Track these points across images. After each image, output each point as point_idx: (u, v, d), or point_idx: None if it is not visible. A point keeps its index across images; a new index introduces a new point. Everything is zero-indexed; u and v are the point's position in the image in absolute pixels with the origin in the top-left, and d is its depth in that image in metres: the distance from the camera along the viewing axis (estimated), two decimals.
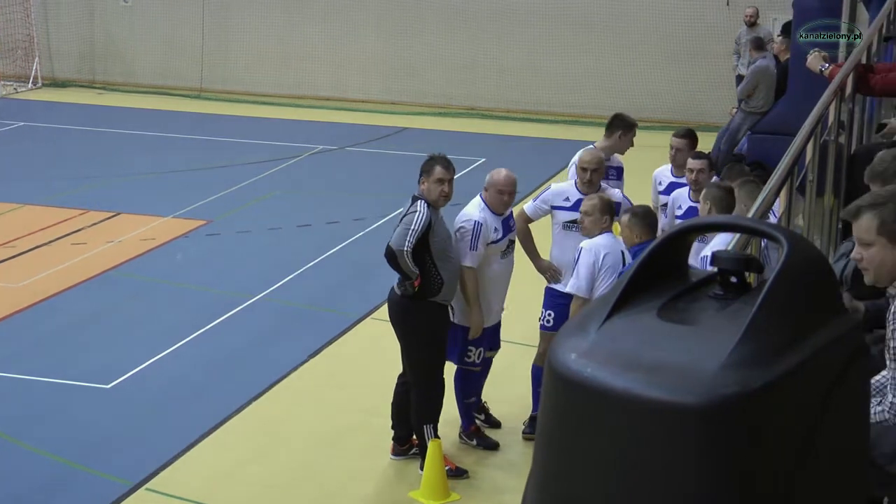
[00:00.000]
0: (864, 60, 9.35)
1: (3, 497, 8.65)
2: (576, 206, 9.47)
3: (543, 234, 9.99)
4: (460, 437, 9.49)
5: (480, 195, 9.20)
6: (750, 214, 4.73)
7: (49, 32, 26.26)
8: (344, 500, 8.75)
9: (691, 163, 9.72)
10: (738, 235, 3.72)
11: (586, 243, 8.82)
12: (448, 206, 8.99)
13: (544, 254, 9.78)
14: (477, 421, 9.59)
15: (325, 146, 20.67)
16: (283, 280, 13.39)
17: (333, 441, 9.61)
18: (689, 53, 22.97)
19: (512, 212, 9.49)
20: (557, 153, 18.90)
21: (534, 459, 2.11)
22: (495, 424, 9.70)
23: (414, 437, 9.11)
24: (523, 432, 9.60)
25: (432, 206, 8.71)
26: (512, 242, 9.36)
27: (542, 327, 9.51)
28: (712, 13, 22.90)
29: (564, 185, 9.76)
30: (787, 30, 19.39)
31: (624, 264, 8.61)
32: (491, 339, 9.42)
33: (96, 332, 12.01)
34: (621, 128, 10.41)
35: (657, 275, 2.14)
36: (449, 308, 8.95)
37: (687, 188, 9.81)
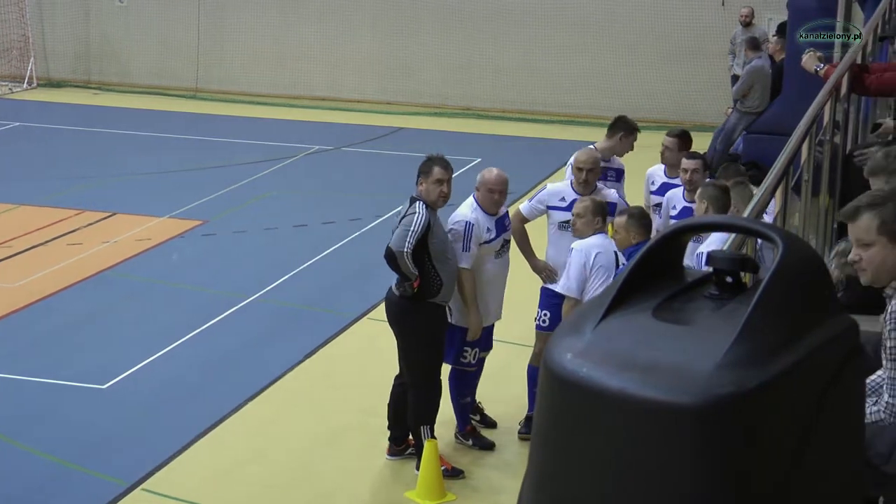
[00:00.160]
0: (859, 60, 9.36)
1: None
2: (572, 207, 9.46)
3: (540, 234, 9.99)
4: (456, 437, 9.49)
5: (473, 195, 9.20)
6: (745, 214, 4.73)
7: (44, 32, 26.24)
8: (340, 501, 8.75)
9: (686, 163, 9.72)
10: (733, 235, 3.72)
11: (577, 244, 8.83)
12: (444, 207, 8.99)
13: (540, 254, 9.78)
14: (472, 421, 9.59)
15: (320, 146, 20.66)
16: (279, 280, 13.38)
17: (329, 441, 9.61)
18: (685, 53, 22.98)
19: (507, 212, 9.49)
20: (553, 153, 18.93)
21: (530, 459, 2.11)
22: (491, 424, 9.70)
23: (410, 437, 9.11)
24: (519, 432, 9.60)
25: (431, 207, 8.71)
26: (507, 242, 9.35)
27: (538, 327, 9.51)
28: (708, 13, 22.90)
29: (560, 186, 9.76)
30: (782, 30, 19.41)
31: (617, 265, 8.60)
32: (487, 339, 9.42)
33: (92, 333, 12.00)
34: (623, 130, 10.41)
35: (653, 275, 2.14)
36: (447, 309, 8.95)
37: (681, 188, 9.81)
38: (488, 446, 9.44)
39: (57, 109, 23.64)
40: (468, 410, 9.52)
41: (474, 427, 9.55)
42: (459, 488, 8.85)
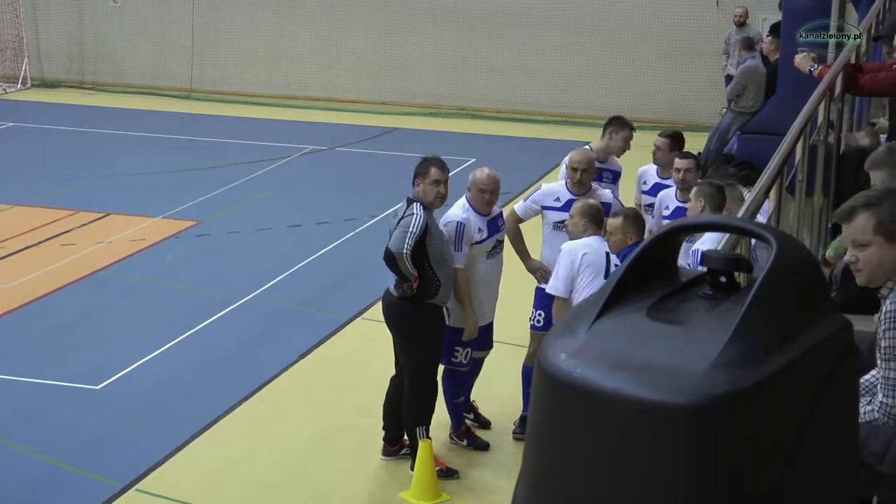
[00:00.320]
0: (853, 60, 9.37)
1: None
2: (566, 207, 9.47)
3: (536, 234, 9.99)
4: (451, 437, 9.49)
5: (465, 195, 9.20)
6: (740, 214, 4.74)
7: (38, 33, 26.21)
8: (334, 501, 8.75)
9: (678, 162, 9.72)
10: (727, 235, 3.73)
11: (567, 244, 8.84)
12: (440, 208, 8.99)
13: (535, 254, 9.78)
14: (467, 421, 9.60)
15: (315, 146, 20.66)
16: (274, 280, 13.37)
17: (324, 441, 9.60)
18: (680, 53, 22.99)
19: (501, 213, 9.49)
20: (548, 153, 18.93)
21: (524, 459, 2.11)
22: (485, 424, 9.71)
23: (404, 437, 9.11)
24: (514, 432, 9.60)
25: (428, 208, 8.70)
26: (500, 243, 9.35)
27: (533, 327, 9.51)
28: (702, 13, 22.92)
29: (555, 186, 9.76)
30: (774, 30, 19.43)
31: (608, 266, 8.58)
32: (481, 339, 9.42)
33: (86, 333, 11.99)
34: (611, 126, 10.38)
35: (647, 275, 2.14)
36: (444, 310, 8.95)
37: (673, 189, 9.81)
38: (483, 446, 9.44)
39: (51, 110, 23.61)
40: (462, 411, 9.53)
41: (469, 427, 9.55)
42: (454, 488, 8.85)
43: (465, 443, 9.45)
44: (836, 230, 7.08)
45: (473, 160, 18.11)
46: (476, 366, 9.49)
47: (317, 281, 13.60)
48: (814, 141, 7.15)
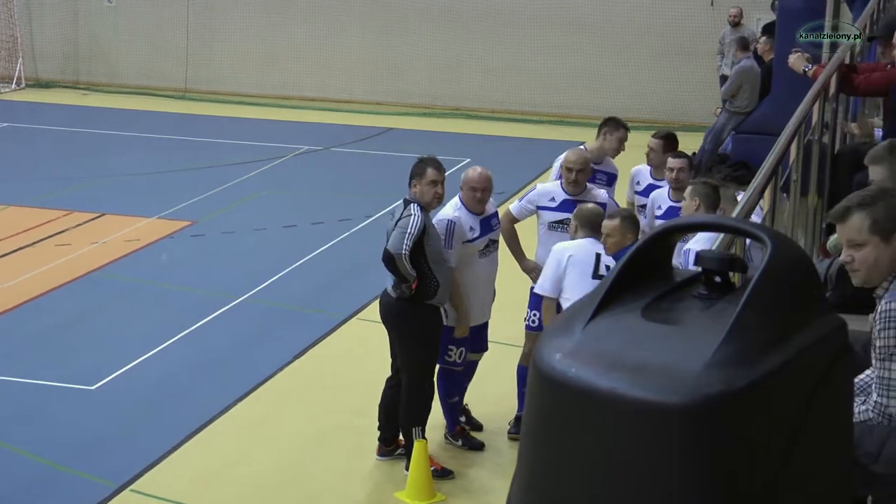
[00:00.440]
0: (847, 60, 9.38)
1: None
2: (561, 207, 9.47)
3: (532, 234, 10.00)
4: (445, 437, 9.49)
5: (458, 194, 9.21)
6: (734, 214, 4.74)
7: (33, 33, 26.18)
8: (329, 501, 8.74)
9: (671, 161, 9.72)
10: (721, 235, 3.73)
11: (556, 245, 8.82)
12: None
13: (530, 254, 9.78)
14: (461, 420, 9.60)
15: (309, 147, 20.65)
16: (269, 281, 13.37)
17: (319, 441, 9.60)
18: (675, 54, 23.01)
19: (497, 212, 9.49)
20: (542, 153, 18.91)
21: (519, 460, 2.11)
22: (477, 427, 9.70)
23: (400, 437, 9.11)
24: (508, 432, 9.60)
25: (425, 208, 8.70)
26: (493, 242, 9.34)
27: (528, 327, 9.51)
28: (697, 13, 22.94)
29: (550, 186, 9.75)
30: (767, 30, 19.45)
31: (597, 267, 8.53)
32: (475, 340, 9.41)
33: (81, 334, 11.98)
34: (606, 127, 10.36)
35: (641, 275, 2.14)
36: (442, 310, 8.95)
37: (666, 188, 9.81)
38: (478, 447, 9.44)
39: (46, 110, 23.59)
40: (457, 410, 9.52)
41: (464, 428, 9.55)
42: (449, 488, 8.85)
43: (459, 443, 9.45)
44: (830, 230, 7.08)
45: (468, 160, 18.10)
46: (470, 368, 9.48)
47: (312, 281, 13.60)
48: (808, 141, 7.16)
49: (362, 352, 11.27)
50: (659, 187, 10.03)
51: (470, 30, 24.22)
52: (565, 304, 8.48)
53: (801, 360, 1.96)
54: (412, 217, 8.57)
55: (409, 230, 8.53)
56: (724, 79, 19.31)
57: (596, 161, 10.11)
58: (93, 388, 10.50)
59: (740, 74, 17.89)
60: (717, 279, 2.11)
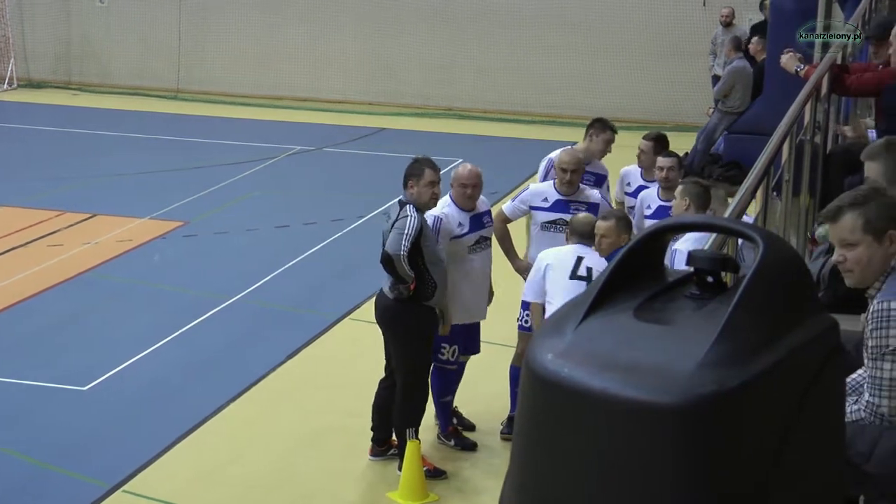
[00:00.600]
0: (839, 61, 9.40)
1: None
2: (554, 207, 9.47)
3: (520, 233, 10.00)
4: (438, 437, 9.49)
5: (449, 192, 9.23)
6: (727, 214, 4.74)
7: (24, 33, 26.14)
8: (322, 501, 8.74)
9: (661, 161, 9.71)
10: (712, 235, 3.73)
11: (541, 253, 8.84)
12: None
13: (523, 254, 9.79)
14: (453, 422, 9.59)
15: (302, 147, 20.64)
16: (261, 281, 13.36)
17: (312, 442, 9.59)
18: (667, 54, 23.01)
19: (489, 210, 9.50)
20: (535, 153, 18.82)
21: (511, 460, 2.11)
22: (469, 427, 9.69)
23: (392, 437, 9.11)
24: (501, 433, 9.60)
25: (421, 209, 8.69)
26: (485, 239, 9.35)
27: (521, 328, 9.51)
28: (689, 14, 22.95)
29: (543, 186, 9.76)
30: (756, 30, 19.48)
31: (576, 268, 8.52)
32: (468, 340, 9.41)
33: (73, 334, 11.96)
34: (592, 128, 10.37)
35: (633, 275, 2.14)
36: (438, 311, 8.95)
37: (654, 188, 9.80)
38: (470, 447, 9.44)
39: (37, 110, 23.55)
40: (449, 410, 9.52)
41: (456, 428, 9.55)
42: (442, 489, 8.85)
43: (452, 443, 9.45)
44: None
45: (461, 160, 18.06)
46: (460, 369, 9.48)
47: (304, 281, 13.59)
48: (800, 141, 7.17)
49: (355, 352, 11.26)
50: (648, 188, 10.03)
51: (463, 30, 24.22)
52: (549, 308, 8.50)
53: (793, 360, 1.96)
54: (409, 218, 8.56)
55: (406, 231, 8.52)
56: (716, 79, 19.33)
57: (584, 162, 10.12)
58: (85, 388, 10.49)
59: (732, 74, 17.92)
60: (710, 279, 2.11)
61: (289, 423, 9.96)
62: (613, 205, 10.19)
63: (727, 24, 20.25)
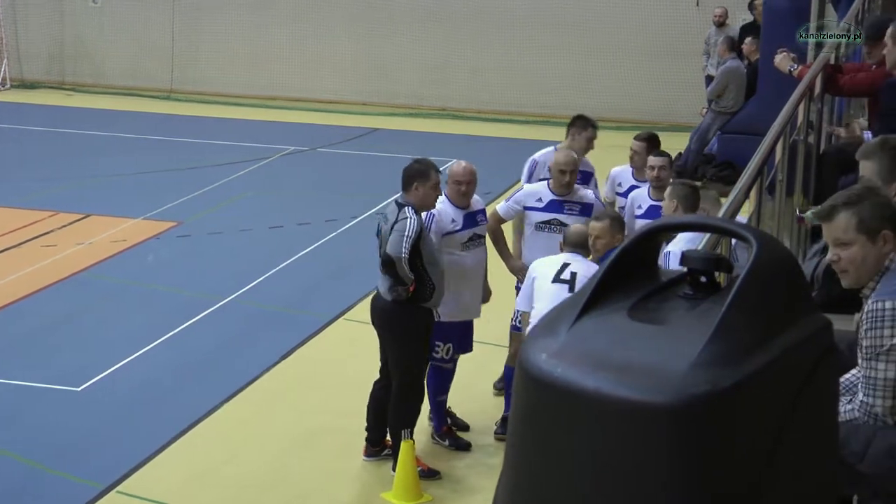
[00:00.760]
0: (832, 61, 9.40)
1: None
2: (548, 207, 9.48)
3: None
4: (432, 437, 9.49)
5: (444, 189, 9.25)
6: (720, 214, 4.75)
7: (18, 33, 26.10)
8: (316, 502, 8.74)
9: (652, 160, 9.70)
10: (706, 235, 3.73)
11: (536, 261, 8.83)
12: None
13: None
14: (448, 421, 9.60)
15: (296, 147, 20.63)
16: (255, 281, 13.35)
17: (306, 442, 9.59)
18: (661, 54, 23.02)
19: (484, 209, 9.52)
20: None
21: (505, 460, 2.11)
22: (464, 427, 9.69)
23: (387, 437, 9.11)
24: (495, 433, 9.60)
25: (419, 211, 8.69)
26: (479, 237, 9.36)
27: (514, 328, 9.51)
28: (683, 14, 22.96)
29: (537, 186, 9.76)
30: (745, 31, 19.50)
31: (560, 273, 8.51)
32: (461, 339, 9.41)
33: (67, 335, 11.95)
34: (574, 126, 10.37)
35: (627, 275, 2.14)
36: (434, 311, 8.95)
37: (645, 188, 9.79)
38: (464, 446, 9.44)
39: (30, 111, 23.53)
40: (444, 409, 9.53)
41: (450, 427, 9.55)
42: (436, 489, 8.85)
43: (447, 443, 9.45)
44: (815, 230, 7.10)
45: (455, 160, 18.10)
46: (453, 368, 9.49)
47: (298, 282, 13.59)
48: (794, 141, 7.17)
49: (349, 353, 11.26)
50: (640, 188, 10.01)
51: (456, 30, 24.22)
52: (533, 314, 8.49)
53: (786, 359, 1.96)
54: (408, 220, 8.55)
55: (406, 233, 8.51)
56: (709, 79, 19.35)
57: None
58: (79, 389, 10.48)
59: (726, 75, 17.94)
60: (703, 279, 2.11)
61: (283, 423, 9.96)
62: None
63: (720, 24, 20.27)
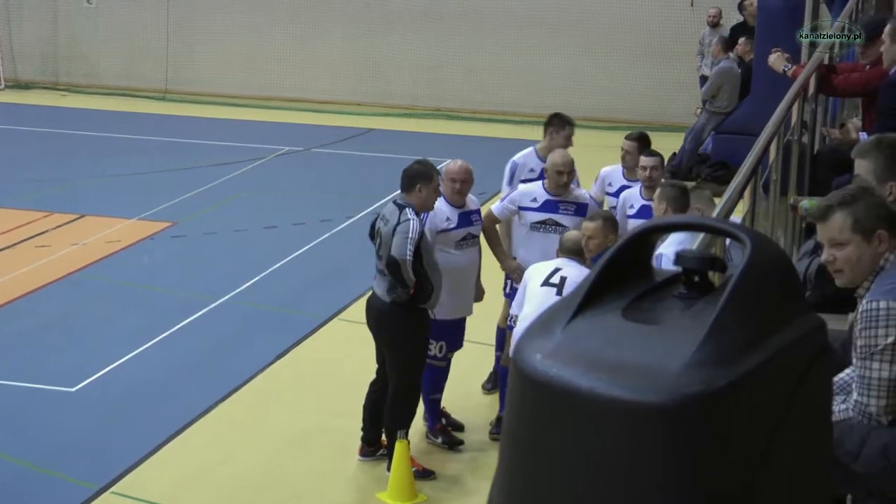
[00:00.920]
0: (826, 61, 9.41)
1: None
2: (543, 208, 9.48)
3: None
4: (427, 436, 9.49)
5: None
6: (714, 214, 4.75)
7: (11, 34, 26.07)
8: (311, 502, 8.74)
9: (644, 160, 9.70)
10: (700, 235, 3.73)
11: (532, 266, 8.82)
12: None
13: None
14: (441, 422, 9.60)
15: (291, 147, 20.62)
16: (250, 282, 13.34)
17: (301, 442, 9.59)
18: (655, 54, 23.02)
19: (479, 209, 9.53)
20: None
21: (500, 460, 2.11)
22: (458, 427, 9.69)
23: (382, 438, 9.11)
24: (490, 432, 9.60)
25: (418, 212, 8.68)
26: (473, 237, 9.37)
27: (509, 328, 9.51)
28: (677, 14, 22.96)
29: (532, 186, 9.76)
30: (735, 31, 19.50)
31: (550, 276, 8.51)
32: (454, 337, 9.41)
33: (62, 335, 11.93)
34: (551, 126, 10.39)
35: (622, 274, 2.14)
36: (431, 313, 8.95)
37: (637, 188, 9.79)
38: (457, 443, 9.44)
39: (24, 111, 23.50)
40: (438, 408, 9.53)
41: (444, 425, 9.55)
42: (430, 489, 8.85)
43: (440, 440, 9.45)
44: (809, 229, 7.11)
45: (449, 161, 18.09)
46: (447, 366, 9.49)
47: (293, 282, 13.58)
48: (788, 141, 7.18)
49: (344, 353, 11.26)
50: (631, 188, 10.01)
51: (451, 31, 24.21)
52: (520, 316, 8.48)
53: (780, 359, 1.96)
54: (411, 222, 8.53)
55: (410, 235, 8.49)
56: (703, 79, 19.36)
57: (545, 159, 10.15)
58: (73, 389, 10.47)
59: (720, 75, 17.96)
60: (697, 279, 2.11)
61: (278, 423, 9.95)
62: None
63: (714, 24, 20.29)
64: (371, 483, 8.96)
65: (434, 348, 9.26)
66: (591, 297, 2.09)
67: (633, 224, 9.06)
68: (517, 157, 10.39)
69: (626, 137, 10.45)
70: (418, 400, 9.00)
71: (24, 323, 12.20)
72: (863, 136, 8.64)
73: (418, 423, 9.40)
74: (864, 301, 4.10)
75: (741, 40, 18.64)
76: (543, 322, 2.10)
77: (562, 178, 9.45)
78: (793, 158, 7.49)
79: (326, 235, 15.19)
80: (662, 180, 9.29)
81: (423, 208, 8.75)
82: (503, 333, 9.80)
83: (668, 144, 17.07)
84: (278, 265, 13.99)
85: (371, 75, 24.60)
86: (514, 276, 9.58)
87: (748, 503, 1.91)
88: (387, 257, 8.54)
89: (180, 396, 10.47)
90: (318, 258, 14.40)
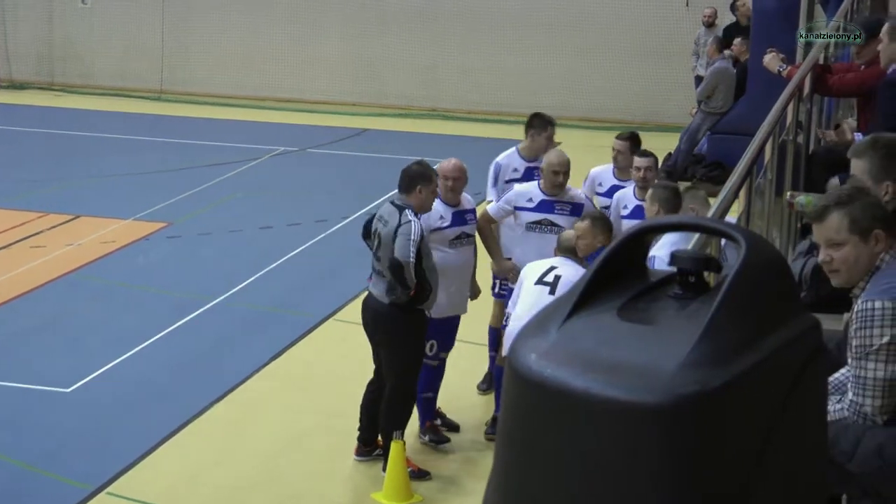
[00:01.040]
0: (821, 61, 9.42)
1: None
2: (539, 208, 9.48)
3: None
4: (420, 436, 9.49)
5: None
6: (709, 214, 4.75)
7: (6, 34, 26.05)
8: (307, 502, 8.74)
9: (638, 161, 9.70)
10: (696, 235, 3.73)
11: (529, 265, 8.82)
12: None
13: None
14: (435, 425, 9.58)
15: (286, 147, 20.62)
16: (245, 282, 13.34)
17: (296, 443, 9.59)
18: (651, 54, 23.04)
19: (474, 209, 9.54)
20: None
21: (495, 460, 2.11)
22: (454, 428, 9.69)
23: (378, 438, 9.11)
24: (485, 433, 9.60)
25: (417, 213, 8.68)
26: (467, 236, 9.37)
27: (504, 327, 9.51)
28: (673, 14, 22.97)
29: (528, 186, 9.76)
30: (728, 32, 19.50)
31: (544, 275, 8.51)
32: (446, 336, 9.41)
33: (56, 336, 11.93)
34: (532, 127, 10.40)
35: (617, 274, 2.14)
36: (428, 314, 8.95)
37: (630, 188, 9.78)
38: (443, 440, 9.45)
39: (19, 112, 23.48)
40: (432, 407, 9.52)
41: (433, 424, 9.54)
42: (426, 490, 8.85)
43: (427, 438, 9.44)
44: (805, 230, 7.11)
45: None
46: (441, 366, 9.49)
47: (289, 282, 13.58)
48: (783, 141, 7.19)
49: (340, 353, 11.26)
50: (624, 188, 10.00)
51: (446, 31, 24.21)
52: (514, 315, 8.48)
53: (775, 360, 1.96)
54: (412, 223, 8.52)
55: (412, 237, 8.47)
56: (699, 79, 19.37)
57: (531, 159, 10.16)
58: (68, 390, 10.46)
59: (715, 75, 17.97)
60: (692, 279, 2.11)
61: (273, 424, 9.95)
62: None
63: (710, 24, 20.29)
64: (367, 483, 8.96)
65: (426, 348, 9.25)
66: (586, 297, 2.09)
67: (627, 224, 9.06)
68: (500, 157, 10.42)
69: (618, 137, 10.44)
70: (415, 401, 9.00)
71: (19, 323, 12.19)
72: (858, 136, 8.65)
73: (414, 424, 9.39)
74: (859, 301, 4.10)
75: (736, 41, 18.64)
76: (538, 322, 2.10)
77: (558, 178, 9.45)
78: (788, 159, 7.49)
79: (322, 236, 15.18)
80: (655, 181, 9.29)
81: (422, 209, 8.75)
82: (496, 333, 9.81)
83: (663, 144, 17.09)
84: (273, 265, 13.99)
85: (366, 76, 24.60)
86: (508, 276, 9.58)
87: (744, 503, 1.91)
88: (389, 259, 8.51)
89: (176, 397, 10.47)
90: (314, 259, 14.40)
